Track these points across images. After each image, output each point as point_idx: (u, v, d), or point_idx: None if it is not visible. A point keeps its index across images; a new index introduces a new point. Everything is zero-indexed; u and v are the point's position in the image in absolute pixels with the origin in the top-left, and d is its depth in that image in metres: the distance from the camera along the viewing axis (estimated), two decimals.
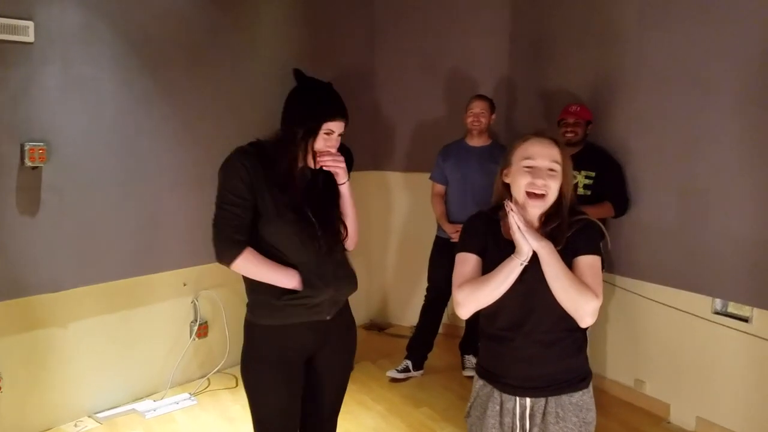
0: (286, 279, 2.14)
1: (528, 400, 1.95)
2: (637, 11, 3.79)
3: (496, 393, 1.99)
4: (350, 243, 2.32)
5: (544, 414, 1.94)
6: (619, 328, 4.07)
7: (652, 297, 3.80)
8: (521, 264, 1.85)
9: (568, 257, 1.88)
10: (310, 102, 2.16)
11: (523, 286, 1.88)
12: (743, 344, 3.36)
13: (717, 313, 3.48)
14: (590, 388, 2.00)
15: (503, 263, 1.87)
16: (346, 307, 2.37)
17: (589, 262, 1.89)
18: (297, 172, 2.17)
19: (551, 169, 1.89)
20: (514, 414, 1.96)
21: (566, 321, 1.89)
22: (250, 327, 2.24)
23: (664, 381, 3.81)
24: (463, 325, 4.49)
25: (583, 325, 1.86)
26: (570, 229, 1.91)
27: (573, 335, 1.96)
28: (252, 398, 2.25)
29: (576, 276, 1.86)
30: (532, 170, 1.89)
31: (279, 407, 2.25)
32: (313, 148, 2.14)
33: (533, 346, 1.93)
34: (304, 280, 2.14)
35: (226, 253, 2.12)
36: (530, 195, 1.89)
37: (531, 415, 1.95)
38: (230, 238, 2.10)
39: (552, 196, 1.90)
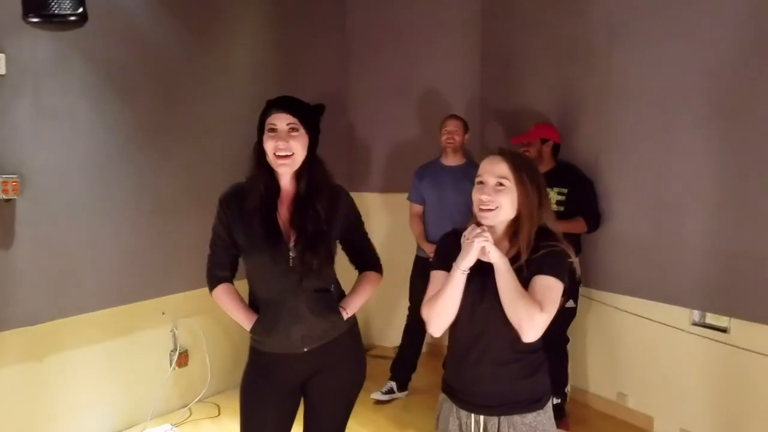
0: (242, 322, 2.25)
1: (482, 417, 2.00)
2: (606, 29, 3.86)
3: (455, 408, 2.06)
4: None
5: None
6: (599, 342, 4.10)
7: (631, 310, 3.83)
8: (462, 272, 1.92)
9: (529, 275, 1.91)
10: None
11: (479, 307, 1.94)
12: (722, 354, 3.39)
13: (695, 324, 3.52)
14: (546, 409, 2.02)
15: (450, 274, 1.94)
16: (347, 336, 2.32)
17: (544, 283, 1.90)
18: (266, 198, 2.15)
19: (500, 184, 1.93)
20: (471, 430, 2.02)
21: (520, 343, 1.92)
22: (250, 348, 2.33)
23: (647, 394, 3.84)
24: (447, 344, 4.48)
25: (525, 339, 1.87)
26: (537, 252, 1.93)
27: (528, 357, 1.99)
28: (240, 417, 2.30)
29: (527, 292, 1.89)
30: (481, 187, 1.96)
31: (258, 424, 2.27)
32: (265, 150, 2.12)
33: (486, 365, 1.99)
34: (259, 325, 2.20)
35: (208, 285, 2.31)
36: (480, 209, 1.97)
37: None
38: (210, 273, 2.29)
39: (504, 210, 1.94)
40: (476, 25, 4.87)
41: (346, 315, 2.27)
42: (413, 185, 4.36)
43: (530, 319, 1.84)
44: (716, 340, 3.41)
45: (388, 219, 5.07)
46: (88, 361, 3.65)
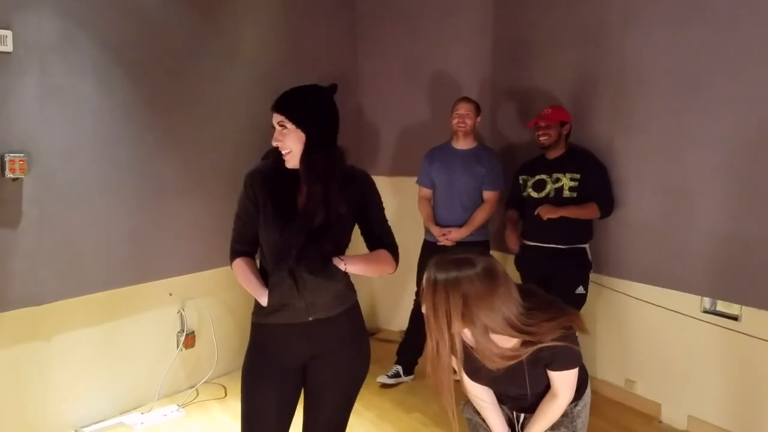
0: (257, 296, 2.24)
1: (522, 415, 2.20)
2: (620, 12, 3.79)
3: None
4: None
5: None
6: (608, 328, 4.07)
7: (641, 297, 3.80)
8: None
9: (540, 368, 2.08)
10: None
11: (508, 403, 2.24)
12: (733, 342, 3.36)
13: (706, 311, 3.49)
14: (584, 397, 2.14)
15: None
16: (348, 318, 2.28)
17: (558, 378, 2.10)
18: (283, 178, 2.16)
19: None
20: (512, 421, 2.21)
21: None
22: (252, 327, 2.33)
23: (655, 380, 3.81)
24: None
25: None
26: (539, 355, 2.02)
27: None
28: (241, 399, 2.28)
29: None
30: None
31: (260, 405, 2.24)
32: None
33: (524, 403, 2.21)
34: (270, 299, 2.19)
35: (229, 259, 2.32)
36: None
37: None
38: (231, 247, 2.32)
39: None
40: (488, 6, 4.79)
41: (341, 265, 2.13)
42: (423, 168, 4.32)
43: (561, 412, 2.12)
44: (727, 328, 3.38)
45: (396, 203, 5.03)
46: (95, 342, 3.65)
